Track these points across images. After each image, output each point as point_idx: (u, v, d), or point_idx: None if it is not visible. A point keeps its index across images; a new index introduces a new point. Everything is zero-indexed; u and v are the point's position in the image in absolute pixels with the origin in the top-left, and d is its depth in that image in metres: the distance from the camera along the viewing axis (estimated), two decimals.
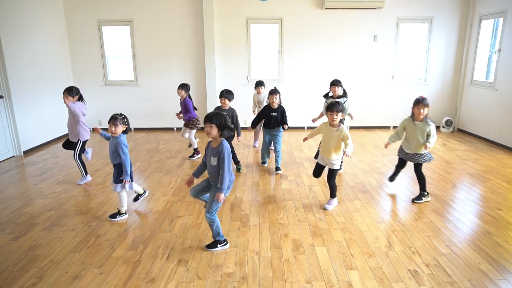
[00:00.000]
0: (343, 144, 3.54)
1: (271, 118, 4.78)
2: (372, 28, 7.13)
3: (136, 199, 3.85)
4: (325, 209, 3.71)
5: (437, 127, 7.48)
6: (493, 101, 6.34)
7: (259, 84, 5.83)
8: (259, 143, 6.25)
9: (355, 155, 5.68)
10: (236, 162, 4.93)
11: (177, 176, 4.77)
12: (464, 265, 2.74)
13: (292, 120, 7.19)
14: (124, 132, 3.45)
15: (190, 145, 5.87)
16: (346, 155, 3.45)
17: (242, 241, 3.10)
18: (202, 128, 5.44)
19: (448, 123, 7.28)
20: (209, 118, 2.73)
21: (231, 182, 2.86)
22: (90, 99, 7.27)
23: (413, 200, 3.89)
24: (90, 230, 3.31)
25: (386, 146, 3.95)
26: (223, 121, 2.73)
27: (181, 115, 5.45)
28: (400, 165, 4.11)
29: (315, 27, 7.14)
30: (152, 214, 3.64)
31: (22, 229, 3.34)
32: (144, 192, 3.89)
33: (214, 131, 2.73)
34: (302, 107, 7.41)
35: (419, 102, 3.63)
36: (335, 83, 4.73)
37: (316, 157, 5.31)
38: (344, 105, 4.51)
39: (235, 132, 4.61)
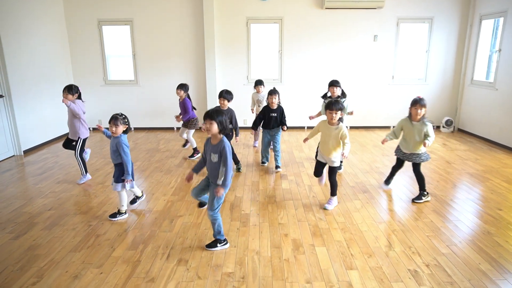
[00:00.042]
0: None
1: (271, 119, 4.78)
2: (372, 28, 7.13)
3: (133, 201, 3.80)
4: (325, 209, 3.71)
5: (437, 127, 7.49)
6: (493, 101, 6.34)
7: (259, 83, 5.83)
8: (259, 143, 6.24)
9: (355, 155, 5.68)
10: (236, 162, 4.93)
11: (177, 175, 4.77)
12: (464, 265, 2.74)
13: (292, 120, 7.20)
14: (125, 132, 3.45)
15: (184, 145, 5.88)
16: (344, 156, 3.47)
17: (242, 241, 3.10)
18: (201, 128, 5.47)
19: (448, 123, 7.28)
20: (209, 115, 2.74)
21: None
22: (90, 98, 7.27)
23: (413, 200, 3.90)
24: (90, 230, 3.31)
25: (383, 142, 3.96)
26: (223, 118, 2.74)
27: (181, 117, 5.43)
28: (398, 165, 4.12)
29: (315, 26, 7.13)
30: (152, 214, 3.64)
31: (22, 229, 3.34)
32: (142, 195, 3.87)
33: (214, 127, 2.73)
34: (302, 106, 7.40)
35: (416, 103, 3.65)
36: (333, 83, 4.72)
37: (316, 157, 5.31)
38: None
39: (234, 133, 4.62)
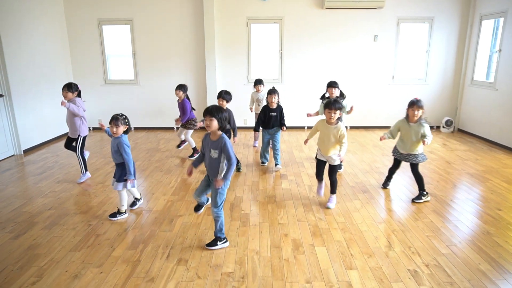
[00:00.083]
0: None
1: (270, 118, 4.79)
2: (373, 28, 7.13)
3: (133, 204, 3.77)
4: (327, 207, 3.71)
5: (438, 127, 7.49)
6: (493, 101, 6.34)
7: (258, 82, 5.84)
8: (259, 143, 6.24)
9: (355, 155, 5.68)
10: (236, 161, 4.91)
11: (177, 175, 4.77)
12: (463, 265, 2.74)
13: (292, 119, 7.21)
14: (125, 132, 3.45)
15: (178, 146, 5.86)
16: (339, 157, 3.49)
17: (242, 241, 3.10)
18: (201, 128, 5.45)
19: (448, 123, 7.28)
20: (209, 111, 2.74)
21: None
22: (90, 98, 7.28)
23: (412, 200, 3.90)
24: (90, 229, 3.31)
25: (381, 139, 3.96)
26: (223, 115, 2.75)
27: (180, 119, 5.41)
28: (394, 165, 4.14)
29: (315, 26, 7.13)
30: (152, 214, 3.64)
31: (22, 228, 3.34)
32: (140, 198, 3.85)
33: (214, 124, 2.74)
34: (302, 106, 7.39)
35: (414, 104, 3.68)
36: (331, 84, 4.71)
37: (316, 156, 5.31)
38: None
39: (232, 133, 4.62)
